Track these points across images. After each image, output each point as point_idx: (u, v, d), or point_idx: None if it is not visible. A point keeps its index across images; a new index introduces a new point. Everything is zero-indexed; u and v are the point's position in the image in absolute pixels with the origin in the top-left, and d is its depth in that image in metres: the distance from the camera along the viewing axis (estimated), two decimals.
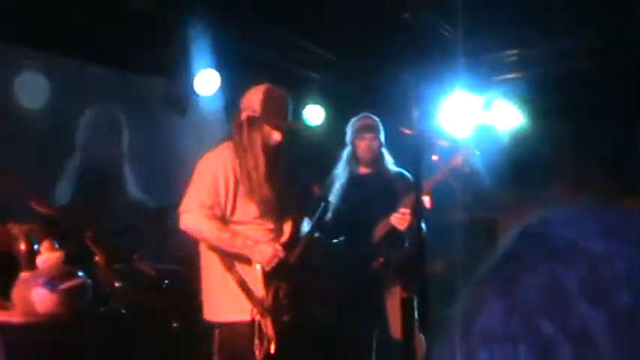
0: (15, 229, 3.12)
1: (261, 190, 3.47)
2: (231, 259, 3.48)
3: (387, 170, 4.50)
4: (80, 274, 3.08)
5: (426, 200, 4.35)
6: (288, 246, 3.57)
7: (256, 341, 3.37)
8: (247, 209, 3.50)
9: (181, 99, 5.41)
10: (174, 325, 4.18)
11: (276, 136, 3.53)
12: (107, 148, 4.84)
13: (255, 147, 3.50)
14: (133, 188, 4.91)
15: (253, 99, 3.56)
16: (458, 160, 4.11)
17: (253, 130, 3.52)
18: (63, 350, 2.95)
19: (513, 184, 4.67)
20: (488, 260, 0.60)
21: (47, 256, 3.05)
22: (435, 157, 4.11)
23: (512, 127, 5.30)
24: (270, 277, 3.46)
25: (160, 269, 4.34)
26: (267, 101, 3.52)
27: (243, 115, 3.56)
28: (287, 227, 3.66)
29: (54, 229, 3.26)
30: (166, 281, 4.30)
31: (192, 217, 3.43)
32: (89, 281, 3.10)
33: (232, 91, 5.59)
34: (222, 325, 3.50)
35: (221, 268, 3.49)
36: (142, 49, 4.89)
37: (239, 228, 3.49)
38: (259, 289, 3.46)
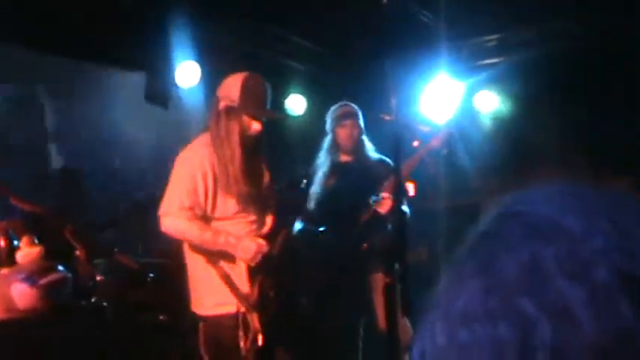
0: None
1: (238, 183, 3.40)
2: (214, 254, 3.44)
3: (367, 157, 4.49)
4: (60, 268, 3.05)
5: (410, 187, 4.35)
6: (270, 237, 3.54)
7: (240, 333, 3.35)
8: (227, 205, 3.44)
9: (162, 92, 5.37)
10: (161, 318, 4.17)
11: (256, 126, 3.45)
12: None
13: (233, 138, 3.41)
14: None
15: (231, 88, 3.46)
16: (436, 141, 4.12)
17: (231, 120, 3.43)
18: (44, 345, 2.93)
19: (496, 169, 4.67)
20: (466, 241, 0.59)
21: (27, 251, 2.99)
22: (416, 143, 4.12)
23: (494, 111, 5.30)
24: (254, 272, 3.43)
25: (144, 263, 4.33)
26: (245, 90, 3.42)
27: (221, 105, 3.46)
28: (269, 218, 3.64)
29: (34, 225, 3.22)
30: (151, 275, 4.29)
31: (173, 219, 3.36)
32: (70, 275, 3.07)
33: (213, 82, 5.58)
34: (207, 318, 3.48)
35: (204, 262, 3.45)
36: (121, 42, 4.86)
37: (221, 224, 3.44)
38: (244, 285, 3.42)
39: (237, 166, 3.41)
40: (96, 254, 3.58)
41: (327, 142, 4.57)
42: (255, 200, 3.53)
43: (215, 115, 3.49)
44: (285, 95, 5.87)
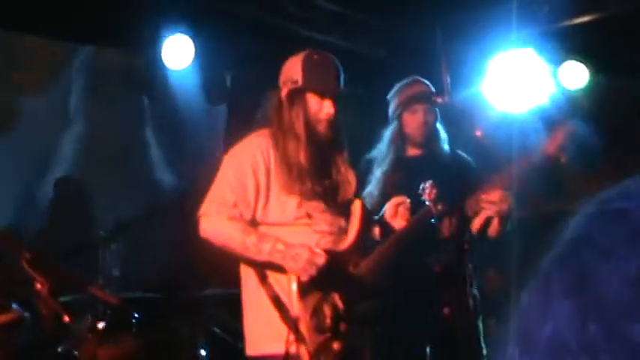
0: None
1: (303, 180, 3.47)
2: (265, 269, 3.47)
3: (442, 151, 4.43)
4: (15, 306, 3.05)
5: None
6: (349, 254, 3.56)
7: None
8: (286, 206, 3.50)
9: (146, 77, 5.40)
10: None
11: (327, 107, 3.53)
12: None
13: (297, 125, 3.52)
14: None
15: (292, 68, 3.58)
16: (553, 144, 3.92)
17: (294, 105, 3.55)
18: None
19: (594, 161, 4.59)
20: (552, 249, 0.59)
21: None
22: (478, 133, 4.05)
23: (585, 87, 5.22)
24: (308, 290, 3.42)
25: (128, 298, 4.32)
26: (308, 65, 3.54)
27: (284, 92, 3.58)
28: (352, 229, 3.63)
29: None
30: (136, 315, 4.28)
31: (211, 219, 3.45)
32: (27, 315, 3.07)
33: (211, 61, 5.59)
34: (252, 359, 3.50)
35: (257, 281, 3.48)
36: (94, 13, 4.91)
37: (276, 230, 3.48)
38: (294, 306, 3.41)
39: (303, 160, 3.48)
40: (64, 287, 3.57)
41: (389, 132, 4.53)
42: (329, 204, 3.57)
43: (276, 106, 3.61)
44: None
